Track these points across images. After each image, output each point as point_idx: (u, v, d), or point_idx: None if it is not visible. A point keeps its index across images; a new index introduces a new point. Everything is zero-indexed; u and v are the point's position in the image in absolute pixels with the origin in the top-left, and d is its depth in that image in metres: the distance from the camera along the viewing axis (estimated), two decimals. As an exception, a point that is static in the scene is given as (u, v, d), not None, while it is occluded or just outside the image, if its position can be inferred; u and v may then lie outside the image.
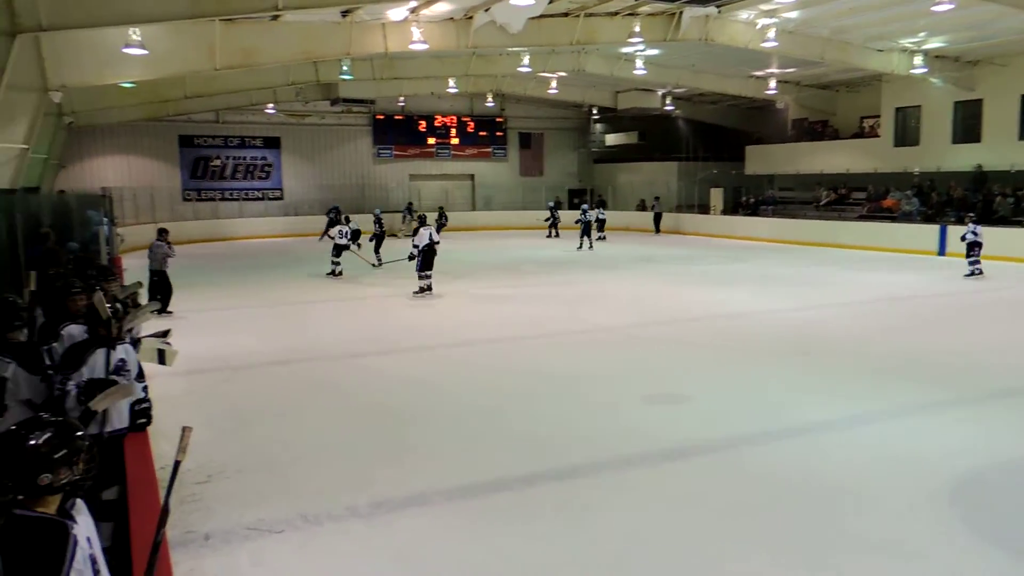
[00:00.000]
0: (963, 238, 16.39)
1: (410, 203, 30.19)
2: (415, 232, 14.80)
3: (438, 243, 14.51)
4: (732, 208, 30.17)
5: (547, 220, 27.61)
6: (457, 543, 4.59)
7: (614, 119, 34.52)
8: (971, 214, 17.73)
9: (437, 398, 7.73)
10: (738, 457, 6.03)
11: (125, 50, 12.93)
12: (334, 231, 18.11)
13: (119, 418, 4.16)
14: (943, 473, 5.53)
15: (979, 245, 16.18)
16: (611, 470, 5.73)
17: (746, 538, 4.62)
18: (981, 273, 16.18)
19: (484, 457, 6.03)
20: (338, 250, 17.45)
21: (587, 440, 6.39)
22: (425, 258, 14.30)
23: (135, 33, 12.72)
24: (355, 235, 17.79)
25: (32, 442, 2.31)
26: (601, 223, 25.95)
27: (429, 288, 14.37)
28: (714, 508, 5.06)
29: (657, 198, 30.80)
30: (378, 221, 20.66)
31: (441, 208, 29.58)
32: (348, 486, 5.38)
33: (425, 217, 15.88)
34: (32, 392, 4.15)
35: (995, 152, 22.08)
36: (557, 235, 27.53)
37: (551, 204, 29.00)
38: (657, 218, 30.17)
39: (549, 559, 4.39)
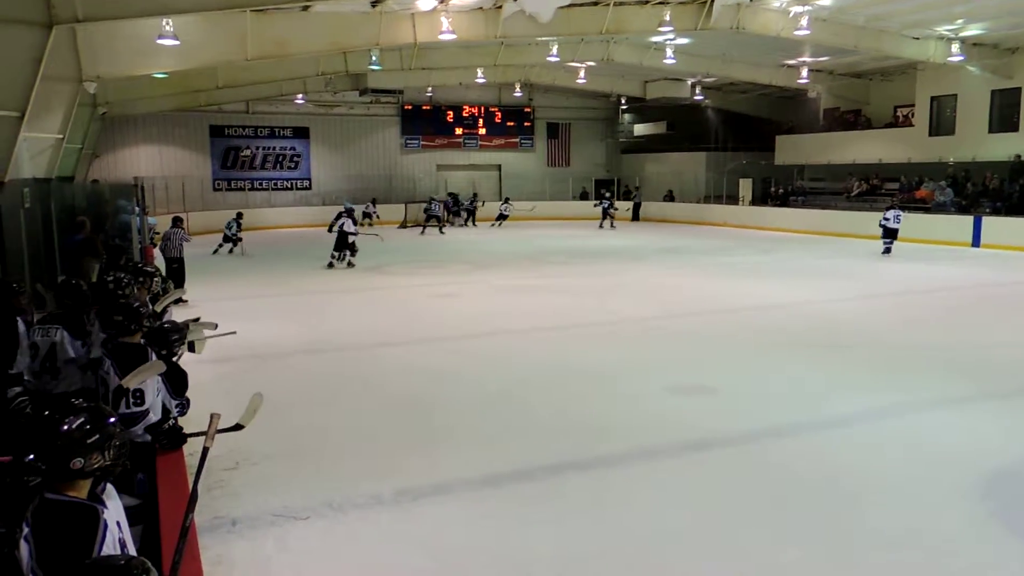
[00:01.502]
0: (880, 224, 18.69)
1: (450, 193, 31.00)
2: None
3: (353, 233, 17.06)
4: (761, 199, 29.86)
5: (596, 204, 28.90)
6: (481, 532, 4.61)
7: (642, 109, 34.25)
8: (894, 199, 20.58)
9: (462, 388, 7.77)
10: (764, 450, 5.99)
11: (158, 41, 13.09)
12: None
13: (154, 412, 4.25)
14: (973, 468, 5.44)
15: (895, 232, 18.41)
16: (636, 461, 5.72)
17: (773, 531, 4.59)
18: (888, 253, 18.31)
19: (509, 447, 6.05)
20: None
21: (612, 431, 6.38)
22: (337, 241, 17.21)
23: (168, 24, 12.87)
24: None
25: (65, 427, 2.36)
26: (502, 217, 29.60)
27: (331, 265, 17.19)
28: (739, 500, 5.03)
29: (638, 187, 32.75)
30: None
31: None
32: (373, 474, 5.44)
33: (351, 210, 18.60)
34: (75, 353, 4.75)
35: (1034, 142, 21.60)
36: (612, 226, 28.13)
37: (606, 193, 29.72)
38: (636, 208, 32.01)
39: (573, 549, 4.40)
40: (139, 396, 3.93)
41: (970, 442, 6.05)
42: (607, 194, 29.72)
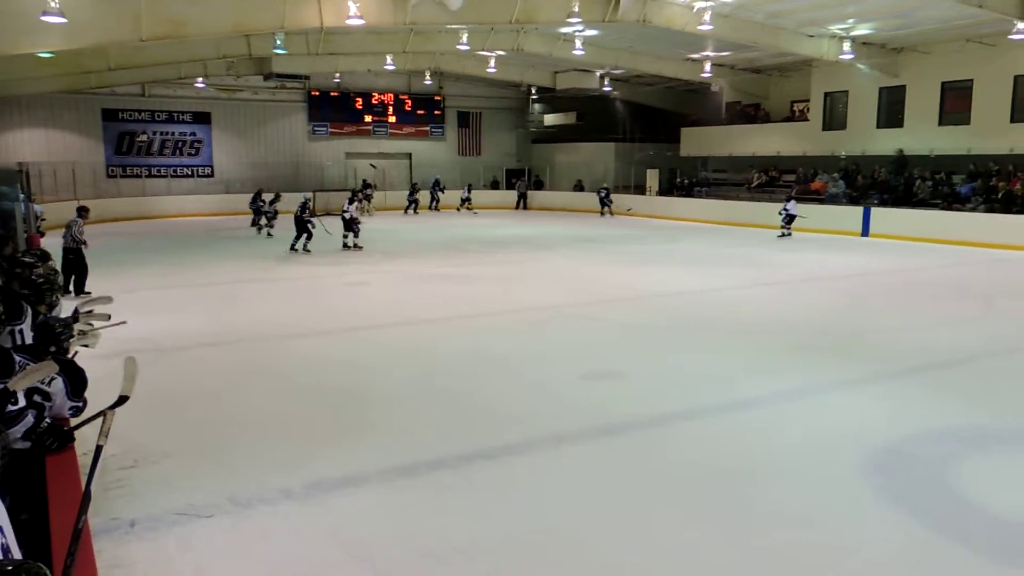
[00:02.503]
0: (780, 213, 21.60)
1: (365, 180, 30.81)
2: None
3: (345, 212, 18.22)
4: (667, 189, 30.65)
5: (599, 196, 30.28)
6: (395, 522, 4.57)
7: (552, 99, 34.55)
8: (791, 192, 23.94)
9: (371, 379, 7.67)
10: (668, 433, 6.17)
11: (43, 18, 12.33)
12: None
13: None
14: (864, 447, 5.75)
15: (793, 217, 21.34)
16: (546, 447, 5.79)
17: (678, 513, 4.73)
18: (789, 235, 21.35)
19: (420, 436, 6.01)
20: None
21: (522, 418, 6.43)
22: (344, 224, 18.34)
23: (54, 0, 12.13)
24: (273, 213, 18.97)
25: (-62, 429, 2.19)
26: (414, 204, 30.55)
27: (345, 247, 18.16)
28: (643, 484, 5.16)
29: (525, 178, 34.76)
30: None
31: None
32: (281, 468, 5.30)
33: (357, 190, 20.46)
34: None
35: (916, 137, 22.95)
36: (611, 214, 29.42)
37: (606, 186, 30.51)
38: (522, 197, 33.68)
39: (484, 536, 4.41)
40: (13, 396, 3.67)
41: (862, 422, 6.39)
42: (606, 186, 30.41)
